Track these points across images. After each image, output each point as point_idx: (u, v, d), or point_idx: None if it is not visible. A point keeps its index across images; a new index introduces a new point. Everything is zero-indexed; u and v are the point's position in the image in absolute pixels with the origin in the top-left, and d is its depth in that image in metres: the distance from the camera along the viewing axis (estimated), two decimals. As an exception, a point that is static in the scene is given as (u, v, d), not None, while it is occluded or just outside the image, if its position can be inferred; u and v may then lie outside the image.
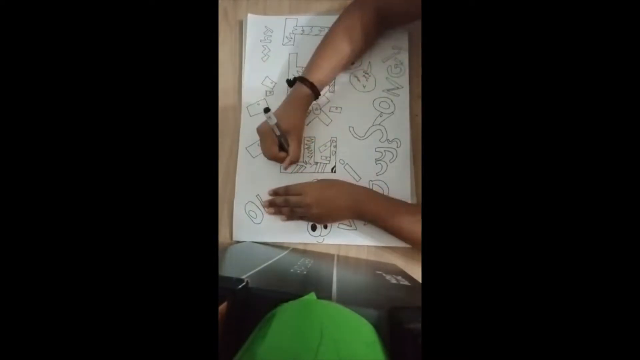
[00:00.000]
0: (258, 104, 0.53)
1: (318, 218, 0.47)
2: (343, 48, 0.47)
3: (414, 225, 0.43)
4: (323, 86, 0.48)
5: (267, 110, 0.41)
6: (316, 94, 0.47)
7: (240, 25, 0.55)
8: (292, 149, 0.46)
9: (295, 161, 0.48)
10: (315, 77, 0.46)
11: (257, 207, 0.51)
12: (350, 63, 0.52)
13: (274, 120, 0.42)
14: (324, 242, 0.49)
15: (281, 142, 0.46)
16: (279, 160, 0.47)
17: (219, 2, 0.56)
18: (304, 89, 0.46)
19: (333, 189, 0.47)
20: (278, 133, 0.44)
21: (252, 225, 0.50)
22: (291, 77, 0.49)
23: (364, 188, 0.48)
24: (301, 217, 0.49)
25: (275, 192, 0.50)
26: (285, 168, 0.50)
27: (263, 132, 0.46)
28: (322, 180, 0.49)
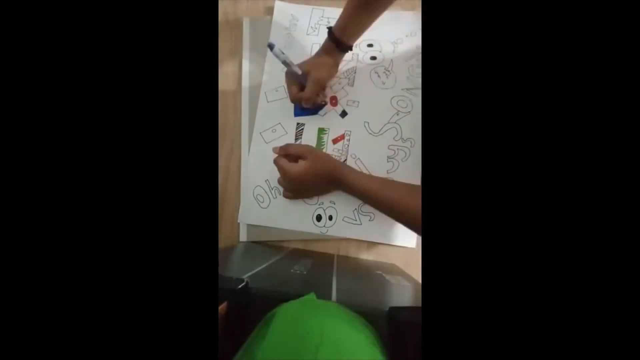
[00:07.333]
0: (276, 91, 0.53)
1: (291, 193, 0.50)
2: None
3: (394, 192, 0.43)
4: (342, 33, 0.48)
5: (271, 46, 0.44)
6: (333, 40, 0.48)
7: (240, 25, 0.55)
8: (307, 89, 0.48)
9: (306, 100, 0.49)
10: (336, 25, 0.48)
11: (265, 191, 0.51)
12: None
13: (282, 57, 0.45)
14: (327, 233, 0.49)
15: (302, 83, 0.49)
16: (300, 101, 0.49)
17: (219, 2, 0.56)
18: (328, 37, 0.49)
19: (310, 177, 0.46)
20: (291, 69, 0.47)
21: (258, 209, 0.51)
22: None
23: (337, 162, 0.48)
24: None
25: (282, 149, 0.50)
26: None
27: (287, 75, 0.49)
28: (303, 161, 0.46)
